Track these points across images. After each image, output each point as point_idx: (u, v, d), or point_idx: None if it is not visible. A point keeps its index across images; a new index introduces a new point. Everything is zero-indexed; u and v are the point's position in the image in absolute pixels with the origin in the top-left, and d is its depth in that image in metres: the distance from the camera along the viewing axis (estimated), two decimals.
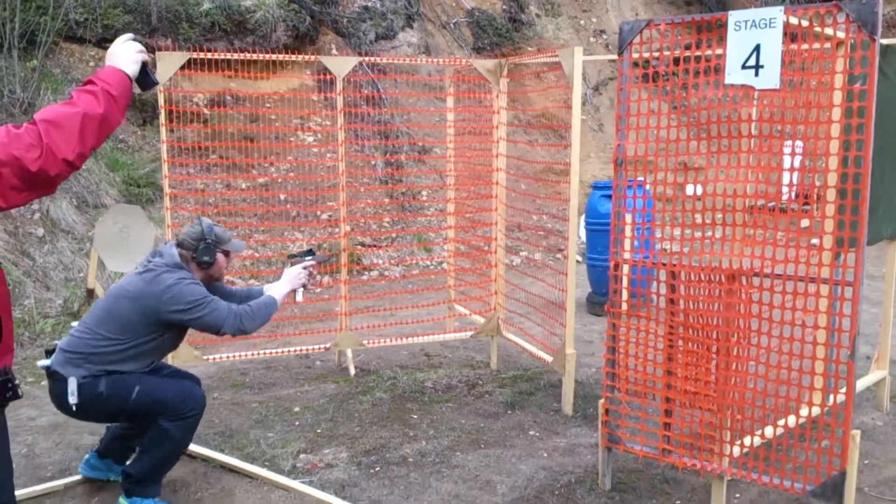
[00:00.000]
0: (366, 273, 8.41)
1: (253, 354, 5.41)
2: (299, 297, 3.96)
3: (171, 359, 4.94)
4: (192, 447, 4.15)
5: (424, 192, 9.90)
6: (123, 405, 3.43)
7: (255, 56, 5.08)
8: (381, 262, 8.64)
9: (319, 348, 5.46)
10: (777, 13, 3.15)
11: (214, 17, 9.65)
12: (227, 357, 5.32)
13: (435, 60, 6.08)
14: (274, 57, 5.18)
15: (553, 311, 5.12)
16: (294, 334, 6.24)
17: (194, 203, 8.32)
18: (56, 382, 3.41)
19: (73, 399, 3.35)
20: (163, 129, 4.87)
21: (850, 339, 3.08)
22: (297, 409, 4.81)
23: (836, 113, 3.14)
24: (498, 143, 5.32)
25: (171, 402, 3.47)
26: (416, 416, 4.64)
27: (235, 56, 5.11)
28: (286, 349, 5.49)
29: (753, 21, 3.19)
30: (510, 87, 5.53)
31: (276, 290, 3.84)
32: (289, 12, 10.08)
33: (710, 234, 3.51)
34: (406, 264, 8.81)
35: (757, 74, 3.19)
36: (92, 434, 4.41)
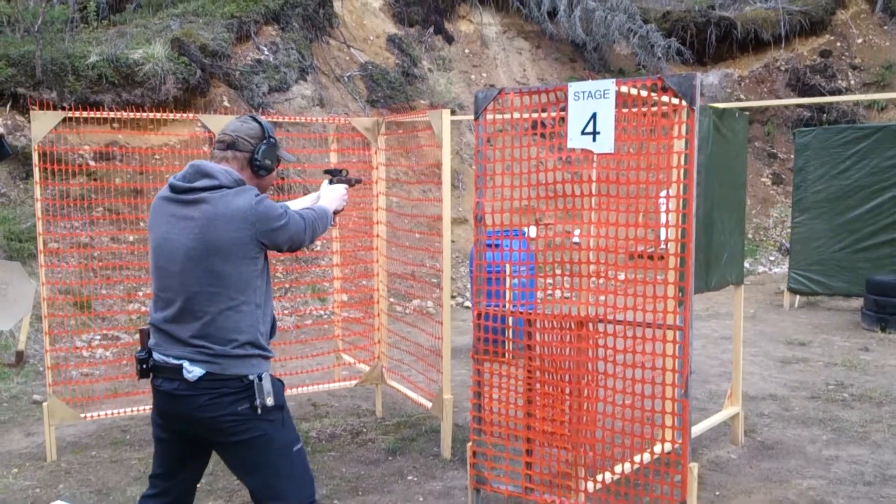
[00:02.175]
0: None
1: (135, 411, 5.35)
2: (332, 221, 3.15)
3: (48, 418, 4.84)
4: None
5: (319, 243, 10.00)
6: (287, 445, 2.73)
7: (132, 114, 5.14)
8: (274, 312, 8.65)
9: None
10: (610, 85, 3.50)
11: (101, 70, 9.59)
12: (108, 414, 5.24)
13: (317, 119, 6.28)
14: (153, 115, 5.25)
15: (435, 358, 5.31)
16: None
17: (79, 258, 8.17)
18: (210, 390, 2.60)
19: (269, 400, 2.65)
20: (37, 188, 4.85)
21: (683, 378, 3.39)
22: None
23: (675, 174, 3.49)
24: (377, 197, 5.53)
25: (309, 488, 2.78)
26: None
27: (113, 114, 5.17)
28: None
29: (590, 92, 3.53)
30: (402, 141, 5.77)
31: (325, 205, 3.11)
32: (178, 65, 10.11)
33: (561, 283, 3.80)
34: (300, 314, 8.86)
35: (594, 140, 3.52)
36: None
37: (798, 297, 10.08)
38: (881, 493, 4.27)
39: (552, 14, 15.77)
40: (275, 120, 8.13)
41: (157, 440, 2.85)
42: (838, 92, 15.79)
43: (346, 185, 3.27)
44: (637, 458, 3.64)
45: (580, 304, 3.65)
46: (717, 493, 4.30)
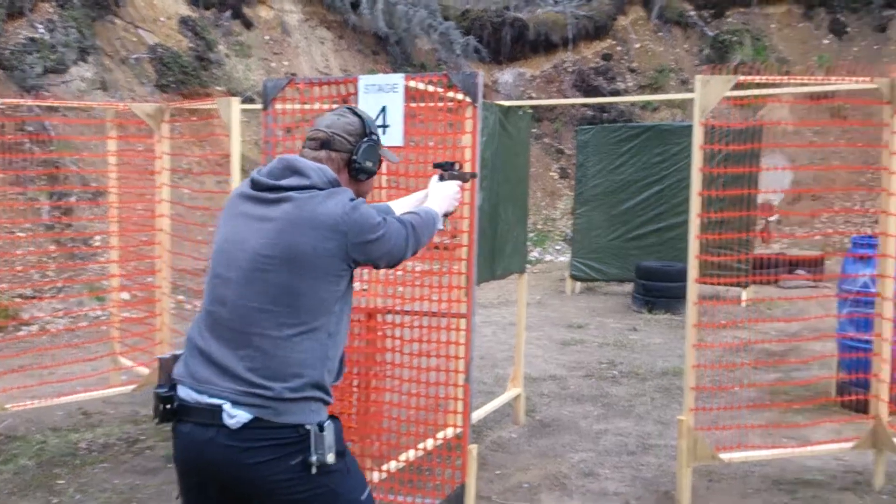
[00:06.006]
0: (24, 328, 7.67)
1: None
2: (441, 224, 2.58)
3: None
4: None
5: (98, 238, 9.30)
6: (355, 495, 2.18)
7: None
8: (43, 314, 7.91)
9: None
10: (399, 80, 3.53)
11: None
12: None
13: (94, 104, 5.83)
14: None
15: None
16: None
17: None
18: (256, 440, 2.03)
19: (330, 457, 2.08)
20: None
21: (465, 364, 3.51)
22: None
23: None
24: (161, 188, 5.22)
25: None
26: (63, 482, 4.32)
27: None
28: None
29: (380, 86, 3.54)
30: (195, 129, 5.48)
31: (434, 206, 2.56)
32: None
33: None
34: (74, 316, 8.15)
35: (384, 133, 3.54)
36: None
37: (579, 283, 10.80)
38: (641, 461, 4.66)
39: (355, 6, 15.73)
40: (50, 104, 7.47)
41: (187, 493, 2.20)
42: (618, 93, 17.10)
43: (459, 182, 2.72)
44: (423, 445, 3.72)
45: (369, 295, 3.67)
46: (497, 472, 4.48)
